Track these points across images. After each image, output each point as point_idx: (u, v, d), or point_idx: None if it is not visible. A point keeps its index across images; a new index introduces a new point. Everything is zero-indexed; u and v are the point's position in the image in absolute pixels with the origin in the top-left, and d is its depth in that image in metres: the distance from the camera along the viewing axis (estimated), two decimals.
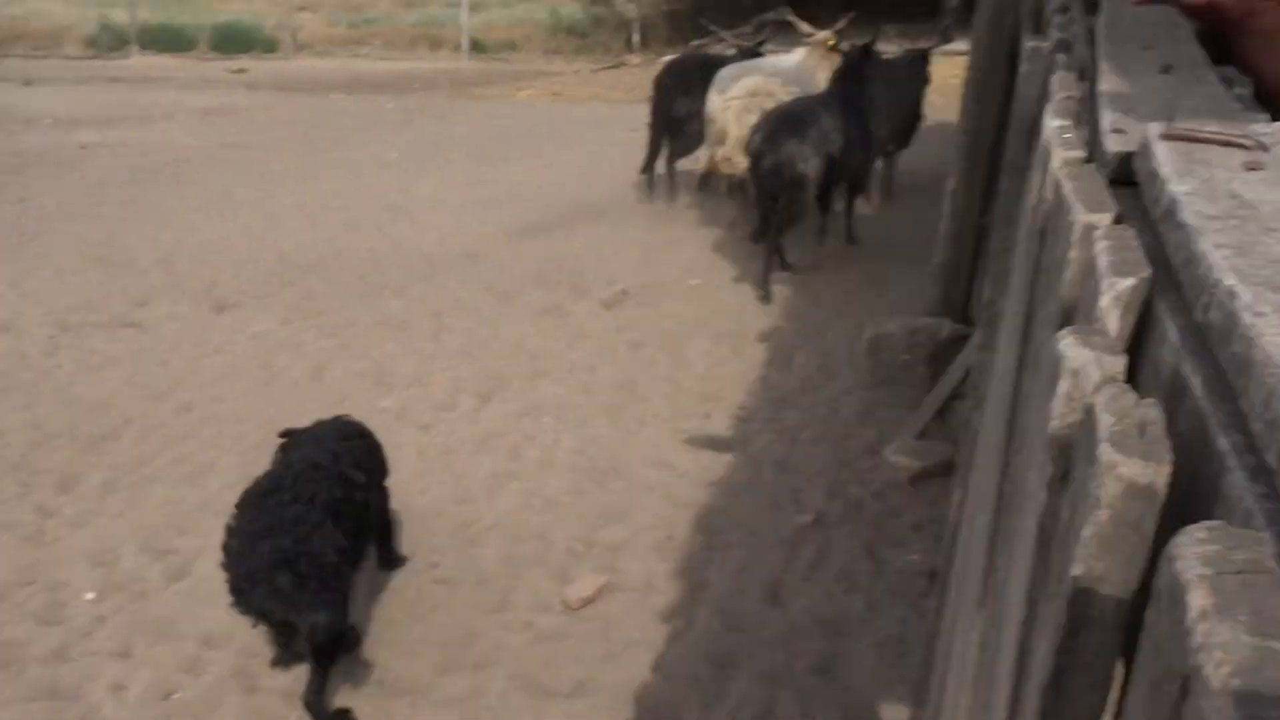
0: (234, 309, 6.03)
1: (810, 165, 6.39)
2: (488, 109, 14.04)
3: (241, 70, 18.42)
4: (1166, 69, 1.33)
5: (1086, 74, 1.55)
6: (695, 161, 8.23)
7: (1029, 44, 2.25)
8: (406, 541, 3.66)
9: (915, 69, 8.12)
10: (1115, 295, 0.72)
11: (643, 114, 13.22)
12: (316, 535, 2.79)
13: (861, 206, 7.57)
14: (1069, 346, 0.65)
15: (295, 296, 6.18)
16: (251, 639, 3.14)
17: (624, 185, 9.09)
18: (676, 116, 8.11)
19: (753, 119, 6.80)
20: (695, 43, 19.00)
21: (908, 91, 7.97)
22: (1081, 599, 0.55)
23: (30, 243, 7.36)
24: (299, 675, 2.94)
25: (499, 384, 4.99)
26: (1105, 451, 0.53)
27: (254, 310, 6.00)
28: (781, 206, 6.48)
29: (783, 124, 6.48)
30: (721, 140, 7.26)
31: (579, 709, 2.87)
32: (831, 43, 7.77)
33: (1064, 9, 2.33)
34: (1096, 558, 0.54)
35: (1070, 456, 0.63)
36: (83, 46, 20.32)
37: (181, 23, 21.51)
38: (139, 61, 19.30)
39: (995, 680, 0.78)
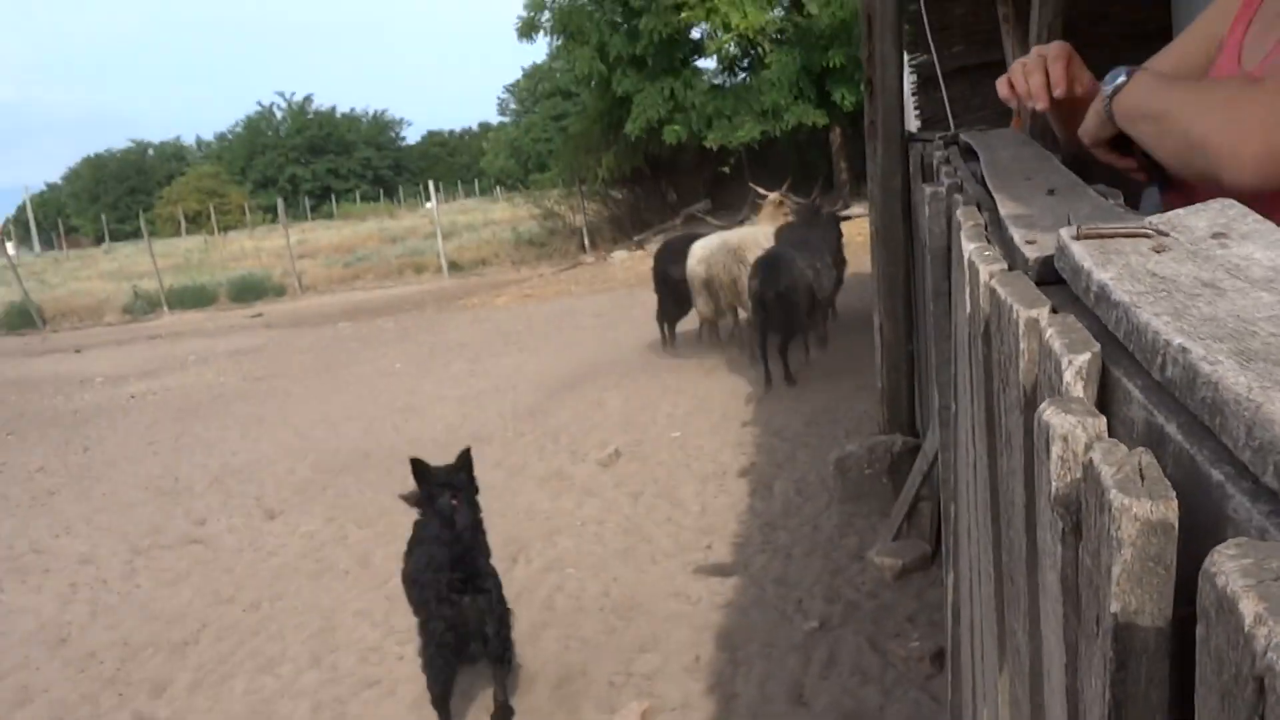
0: (282, 515, 5.96)
1: (799, 294, 7.25)
2: (472, 316, 14.25)
3: (258, 315, 18.68)
4: (1051, 191, 1.37)
5: (983, 205, 1.59)
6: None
7: (928, 190, 2.32)
8: (468, 692, 3.56)
9: (833, 224, 8.68)
10: (1076, 370, 0.72)
11: (603, 302, 13.56)
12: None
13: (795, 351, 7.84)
14: (1053, 416, 0.64)
15: (333, 496, 6.12)
16: None
17: (598, 361, 9.19)
18: (673, 282, 8.61)
19: (735, 268, 7.87)
20: (638, 238, 19.67)
21: (833, 240, 8.50)
22: (1124, 633, 0.53)
23: (98, 484, 7.30)
24: None
25: (521, 546, 4.91)
26: (1116, 498, 0.52)
27: (300, 514, 5.93)
28: (782, 328, 7.31)
29: (773, 264, 7.27)
30: (714, 290, 8.18)
31: None
32: (781, 200, 8.57)
33: (947, 160, 2.41)
34: (1130, 593, 0.52)
35: (1078, 510, 0.62)
36: (120, 314, 20.57)
37: (202, 282, 21.92)
38: (170, 320, 19.54)
39: None
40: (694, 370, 8.35)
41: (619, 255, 19.02)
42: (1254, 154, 1.09)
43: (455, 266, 21.48)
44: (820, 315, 8.14)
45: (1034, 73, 1.48)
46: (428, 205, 33.32)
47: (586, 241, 20.86)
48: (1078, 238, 0.94)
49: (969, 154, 2.17)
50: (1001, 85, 1.52)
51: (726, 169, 21.30)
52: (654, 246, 19.11)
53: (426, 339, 12.43)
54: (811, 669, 3.43)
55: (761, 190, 9.40)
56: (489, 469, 6.25)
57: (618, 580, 4.40)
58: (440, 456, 6.63)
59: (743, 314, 8.39)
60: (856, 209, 10.04)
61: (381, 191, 58.76)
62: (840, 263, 8.73)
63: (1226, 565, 0.43)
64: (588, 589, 4.35)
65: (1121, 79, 1.33)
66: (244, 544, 5.55)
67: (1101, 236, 0.94)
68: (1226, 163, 1.12)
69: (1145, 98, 1.30)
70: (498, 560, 4.71)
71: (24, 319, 20.35)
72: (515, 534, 5.07)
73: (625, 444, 6.38)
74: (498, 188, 47.27)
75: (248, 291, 21.04)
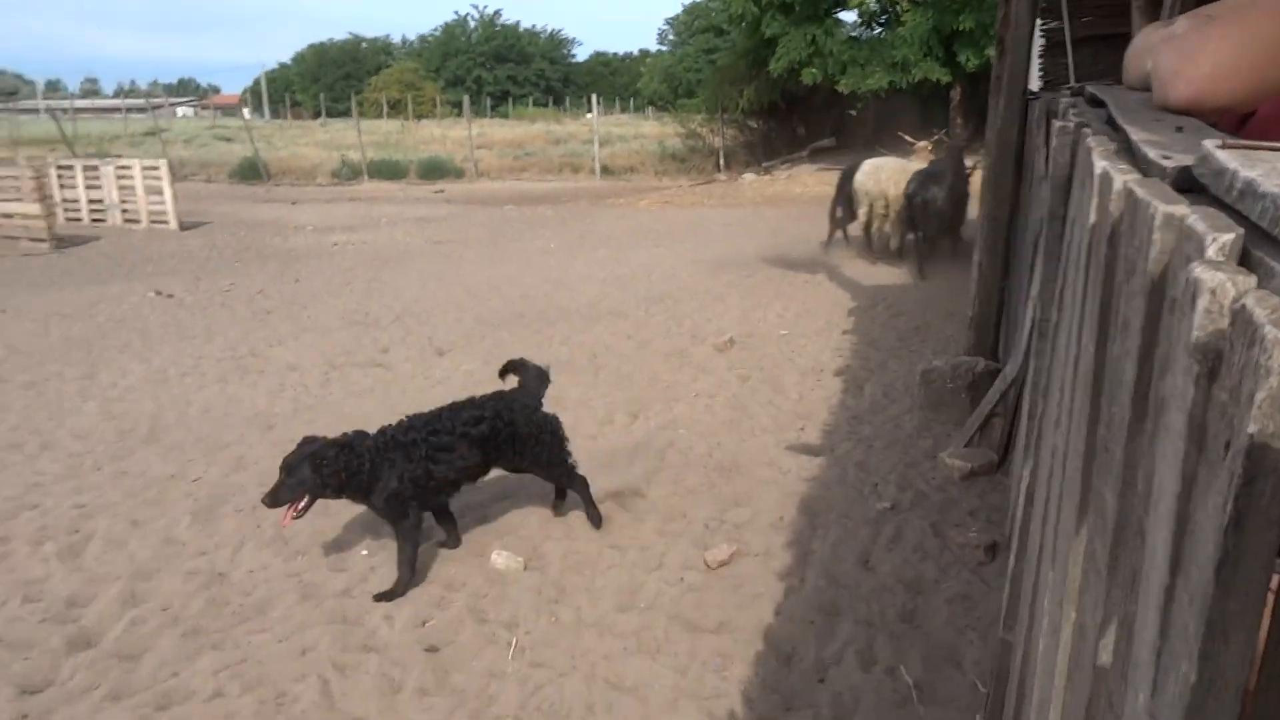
0: (449, 353, 6.17)
1: (944, 201, 8.10)
2: (618, 214, 14.24)
3: (440, 190, 19.09)
4: (1179, 129, 1.29)
5: (1112, 138, 1.49)
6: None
7: (1057, 124, 2.19)
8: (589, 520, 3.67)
9: (962, 166, 8.80)
10: (1220, 246, 0.68)
11: (732, 215, 13.36)
12: None
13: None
14: (1204, 272, 0.61)
15: (491, 345, 6.30)
16: (480, 586, 3.18)
17: (724, 264, 9.11)
18: (848, 196, 9.33)
19: (895, 183, 8.59)
20: (766, 164, 19.25)
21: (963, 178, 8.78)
22: (1257, 452, 0.51)
23: (305, 310, 7.67)
24: (519, 612, 2.98)
25: (643, 406, 4.99)
26: (1270, 332, 0.50)
27: (463, 355, 6.13)
28: (929, 228, 8.23)
29: (927, 178, 8.20)
30: (875, 200, 8.84)
31: (723, 642, 2.81)
32: (929, 147, 8.94)
33: (1074, 105, 2.26)
34: (1269, 417, 0.51)
35: (1217, 356, 0.59)
36: (329, 177, 21.27)
37: (397, 158, 22.42)
38: (369, 186, 20.11)
39: (1150, 549, 0.73)
40: (805, 281, 8.24)
41: (749, 177, 18.67)
42: (1189, 77, 1.14)
43: (607, 170, 21.44)
44: (949, 233, 8.71)
45: None
46: (589, 115, 33.08)
47: (722, 162, 20.51)
48: (1222, 147, 0.88)
49: (1094, 104, 2.03)
50: None
51: (853, 112, 20.51)
52: (781, 172, 18.71)
53: (578, 227, 12.51)
54: (879, 541, 3.43)
55: (910, 138, 10.01)
56: (622, 340, 6.34)
57: (721, 445, 4.43)
58: (582, 324, 6.80)
59: (889, 231, 8.94)
60: (968, 162, 9.73)
61: (551, 99, 58.56)
62: (965, 196, 8.66)
63: None
64: (695, 448, 4.40)
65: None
66: (417, 371, 5.79)
67: (1243, 148, 0.88)
68: (1169, 85, 1.18)
69: (1132, 52, 1.38)
70: (624, 416, 4.83)
71: (253, 172, 21.27)
72: (639, 396, 5.15)
73: (739, 335, 6.36)
74: (650, 107, 46.47)
75: (434, 170, 21.45)
